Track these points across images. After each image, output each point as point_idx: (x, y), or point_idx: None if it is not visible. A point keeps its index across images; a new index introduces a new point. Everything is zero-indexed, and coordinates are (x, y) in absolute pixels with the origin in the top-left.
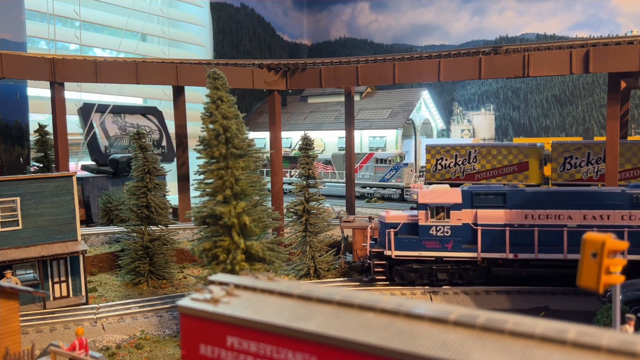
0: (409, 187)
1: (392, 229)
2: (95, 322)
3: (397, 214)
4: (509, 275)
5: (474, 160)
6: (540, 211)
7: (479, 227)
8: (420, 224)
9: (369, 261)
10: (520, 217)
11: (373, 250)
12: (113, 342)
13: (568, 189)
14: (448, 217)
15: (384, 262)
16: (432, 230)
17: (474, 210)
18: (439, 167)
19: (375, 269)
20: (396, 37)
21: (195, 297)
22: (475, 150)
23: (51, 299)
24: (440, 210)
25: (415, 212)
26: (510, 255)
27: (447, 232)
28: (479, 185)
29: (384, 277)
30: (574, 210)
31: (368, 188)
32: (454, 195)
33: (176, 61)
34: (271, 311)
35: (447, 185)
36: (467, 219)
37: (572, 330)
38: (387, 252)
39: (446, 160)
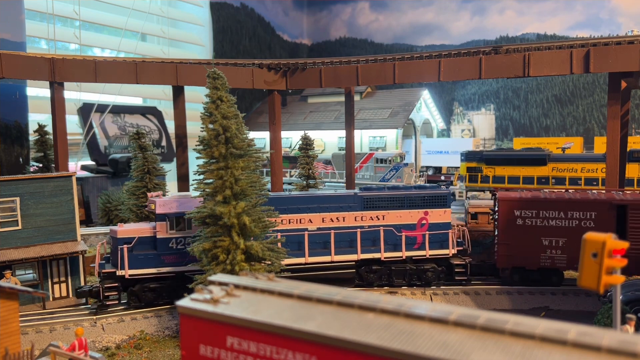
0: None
1: (125, 245)
2: (95, 323)
3: (132, 227)
4: None
5: None
6: (283, 216)
7: None
8: (158, 237)
9: (98, 285)
10: None
11: (104, 271)
12: (113, 343)
13: (308, 193)
14: (190, 227)
15: (116, 284)
16: (172, 243)
17: None
18: None
19: (107, 293)
20: (396, 36)
21: (195, 297)
22: None
23: (51, 299)
24: (181, 220)
25: (154, 224)
26: None
27: (189, 244)
28: None
29: (116, 302)
30: (314, 213)
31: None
32: (196, 204)
33: (176, 61)
34: (271, 311)
35: (190, 193)
36: None
37: (573, 330)
38: (120, 272)
39: None
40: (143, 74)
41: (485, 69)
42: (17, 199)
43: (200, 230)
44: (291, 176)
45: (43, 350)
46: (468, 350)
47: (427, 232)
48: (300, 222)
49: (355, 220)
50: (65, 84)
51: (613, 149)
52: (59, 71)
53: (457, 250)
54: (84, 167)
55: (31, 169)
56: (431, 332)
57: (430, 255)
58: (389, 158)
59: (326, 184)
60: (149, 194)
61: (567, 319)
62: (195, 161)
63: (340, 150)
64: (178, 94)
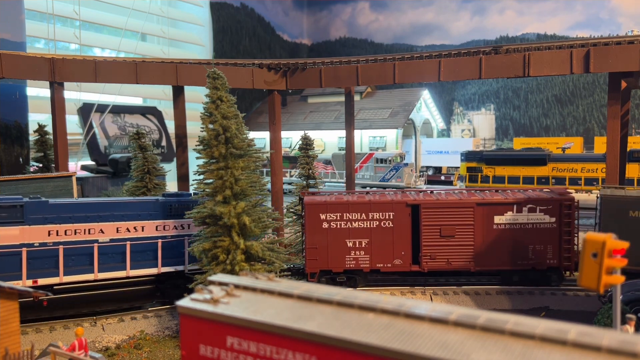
0: (409, 187)
1: None
2: (95, 323)
3: None
4: (27, 306)
5: None
6: (67, 226)
7: None
8: None
9: None
10: (42, 234)
11: None
12: (113, 343)
13: (100, 200)
14: None
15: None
16: None
17: None
18: None
19: None
20: (396, 36)
21: (195, 297)
22: None
23: None
24: None
25: None
26: (29, 282)
27: None
28: None
29: None
30: (106, 223)
31: (368, 188)
32: None
33: (176, 61)
34: (271, 311)
35: None
36: None
37: (573, 330)
38: None
39: None
40: (143, 74)
41: (485, 69)
42: None
43: (200, 230)
44: (291, 176)
45: (43, 350)
46: (468, 350)
47: None
48: (89, 233)
49: (157, 229)
50: (65, 84)
51: (613, 149)
52: (59, 71)
53: None
54: (84, 167)
55: (31, 169)
56: (431, 332)
57: None
58: (389, 158)
59: (326, 184)
60: None
61: (567, 319)
62: (195, 161)
63: (340, 150)
64: (178, 94)
